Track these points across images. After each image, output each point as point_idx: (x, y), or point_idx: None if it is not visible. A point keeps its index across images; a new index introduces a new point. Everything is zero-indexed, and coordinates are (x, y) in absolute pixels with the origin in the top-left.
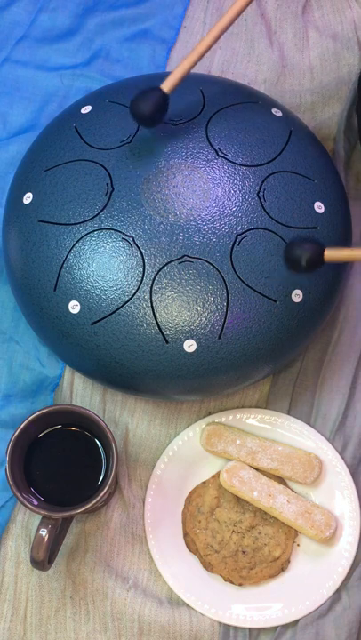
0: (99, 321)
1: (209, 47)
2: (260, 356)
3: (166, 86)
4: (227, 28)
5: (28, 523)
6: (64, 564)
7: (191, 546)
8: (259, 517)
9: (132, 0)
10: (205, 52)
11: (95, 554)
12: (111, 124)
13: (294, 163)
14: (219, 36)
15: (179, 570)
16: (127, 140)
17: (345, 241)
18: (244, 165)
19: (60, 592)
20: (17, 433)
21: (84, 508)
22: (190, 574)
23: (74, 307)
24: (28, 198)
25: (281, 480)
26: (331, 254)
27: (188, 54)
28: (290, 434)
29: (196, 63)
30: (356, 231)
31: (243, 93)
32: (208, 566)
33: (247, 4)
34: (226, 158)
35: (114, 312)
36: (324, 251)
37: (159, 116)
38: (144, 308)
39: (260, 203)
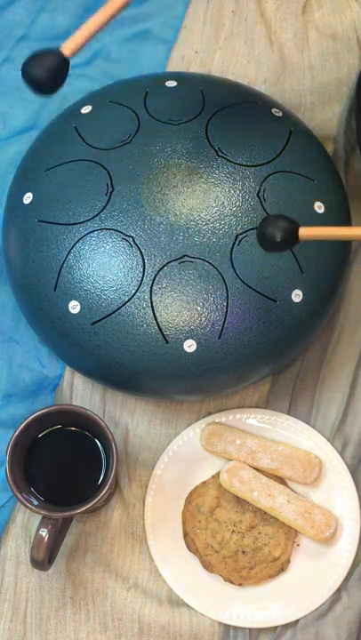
0: (99, 321)
1: (122, 6)
2: (260, 355)
3: (67, 48)
4: None
5: (28, 523)
6: (64, 564)
7: (191, 546)
8: (259, 517)
9: (132, 0)
10: (119, 10)
11: (95, 554)
12: (111, 124)
13: (294, 163)
14: None
15: (179, 570)
16: (127, 139)
17: (345, 241)
18: (244, 165)
19: (60, 592)
20: (17, 433)
21: (84, 508)
22: (190, 574)
23: (74, 307)
24: (28, 198)
25: (281, 480)
26: (305, 232)
27: (96, 14)
28: (290, 434)
29: (105, 24)
30: None
31: (243, 93)
32: (208, 566)
33: None
34: (226, 158)
35: (114, 312)
36: (298, 228)
37: (57, 82)
38: (144, 308)
39: (261, 203)
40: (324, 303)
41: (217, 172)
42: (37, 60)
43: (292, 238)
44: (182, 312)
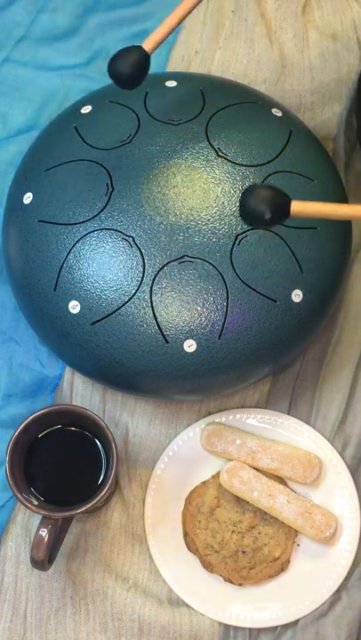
0: (99, 321)
1: (198, 1)
2: (260, 356)
3: (148, 45)
4: None
5: (28, 523)
6: (64, 564)
7: (191, 546)
8: (259, 517)
9: (132, 0)
10: (195, 6)
11: (95, 554)
12: (111, 124)
13: (294, 163)
14: None
15: (179, 570)
16: (127, 139)
17: (345, 241)
18: (244, 165)
19: (60, 592)
20: (17, 433)
21: (84, 508)
22: (190, 574)
23: (74, 307)
24: (28, 198)
25: (281, 480)
26: (298, 207)
27: (173, 12)
28: (290, 434)
29: (181, 21)
30: (356, 231)
31: (243, 93)
32: (208, 566)
33: None
34: (226, 158)
35: (114, 312)
36: (290, 202)
37: (140, 77)
38: (144, 308)
39: None
40: (324, 303)
41: (217, 171)
42: (122, 57)
43: (282, 214)
44: (182, 312)
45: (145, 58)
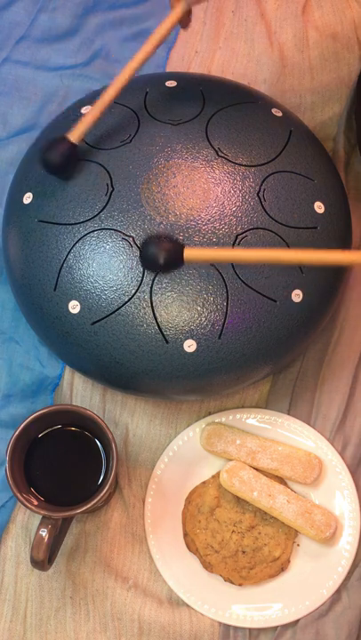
0: (99, 321)
1: (117, 94)
2: (260, 355)
3: (74, 136)
4: (136, 69)
5: (28, 523)
6: (64, 564)
7: (191, 546)
8: (259, 517)
9: (132, 0)
10: (113, 99)
11: (95, 554)
12: (111, 124)
13: (294, 163)
14: (128, 80)
15: (179, 570)
16: (127, 139)
17: (345, 241)
18: (244, 165)
19: (60, 592)
20: (17, 433)
21: (84, 508)
22: (190, 574)
23: (74, 307)
24: (28, 198)
25: (281, 480)
26: (191, 254)
27: (97, 101)
28: (290, 434)
29: (104, 109)
30: (356, 231)
31: (243, 93)
32: (208, 566)
33: (159, 43)
34: (226, 158)
35: (114, 312)
36: (183, 249)
37: (69, 165)
38: (144, 308)
39: (260, 203)
40: (324, 303)
41: (217, 171)
42: (53, 148)
43: (176, 260)
44: (182, 312)
45: (72, 148)
